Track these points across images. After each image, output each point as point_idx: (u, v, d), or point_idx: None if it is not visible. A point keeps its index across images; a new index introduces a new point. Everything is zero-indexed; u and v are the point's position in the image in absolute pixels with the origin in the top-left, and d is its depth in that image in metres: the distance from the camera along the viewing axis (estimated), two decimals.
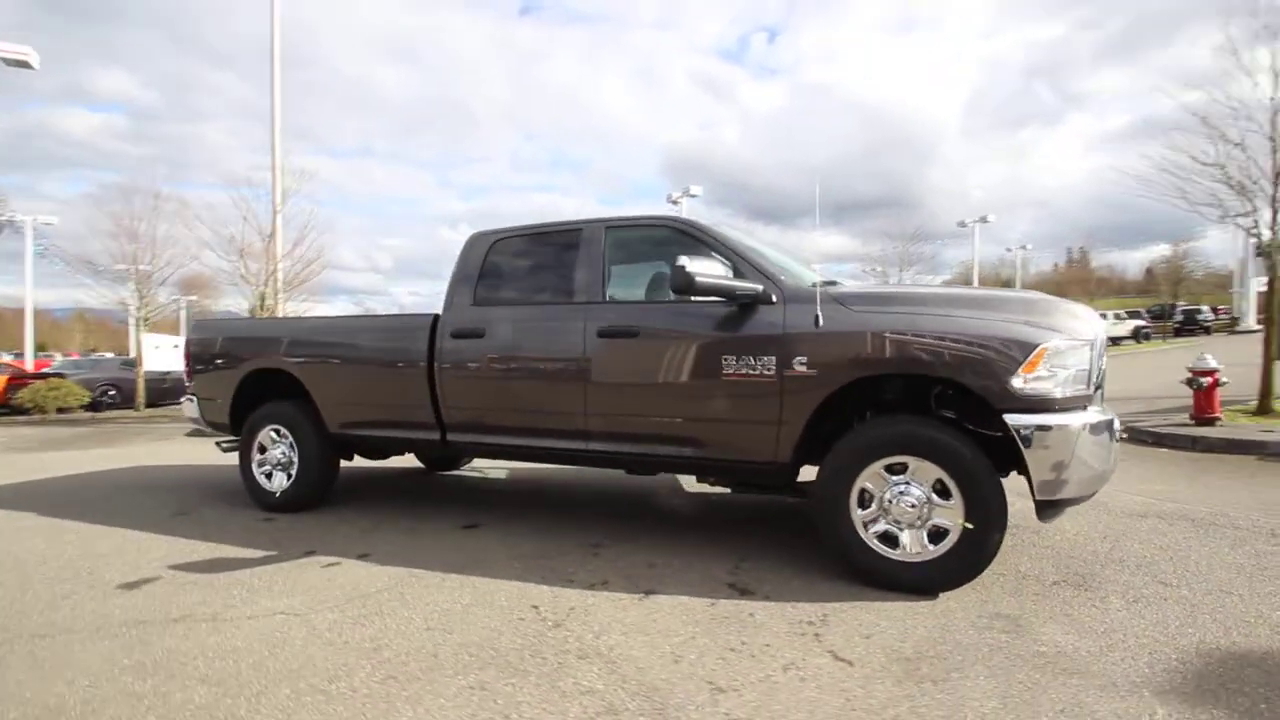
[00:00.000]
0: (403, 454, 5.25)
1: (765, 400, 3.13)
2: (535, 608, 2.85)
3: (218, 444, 5.14)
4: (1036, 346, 2.75)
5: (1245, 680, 2.16)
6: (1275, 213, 7.06)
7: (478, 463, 6.27)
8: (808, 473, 3.29)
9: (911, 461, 2.90)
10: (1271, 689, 2.10)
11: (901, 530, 2.93)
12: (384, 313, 6.42)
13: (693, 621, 2.69)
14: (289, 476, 4.60)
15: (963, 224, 31.00)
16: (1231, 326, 31.75)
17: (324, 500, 4.74)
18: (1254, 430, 6.38)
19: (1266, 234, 7.15)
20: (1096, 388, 2.93)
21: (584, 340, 3.56)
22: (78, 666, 2.38)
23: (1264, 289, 10.96)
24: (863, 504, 3.00)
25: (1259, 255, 8.12)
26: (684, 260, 3.05)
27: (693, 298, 3.28)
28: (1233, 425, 6.69)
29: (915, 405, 3.25)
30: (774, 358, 3.10)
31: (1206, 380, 6.74)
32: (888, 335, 2.92)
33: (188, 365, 5.11)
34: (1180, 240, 46.87)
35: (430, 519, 4.35)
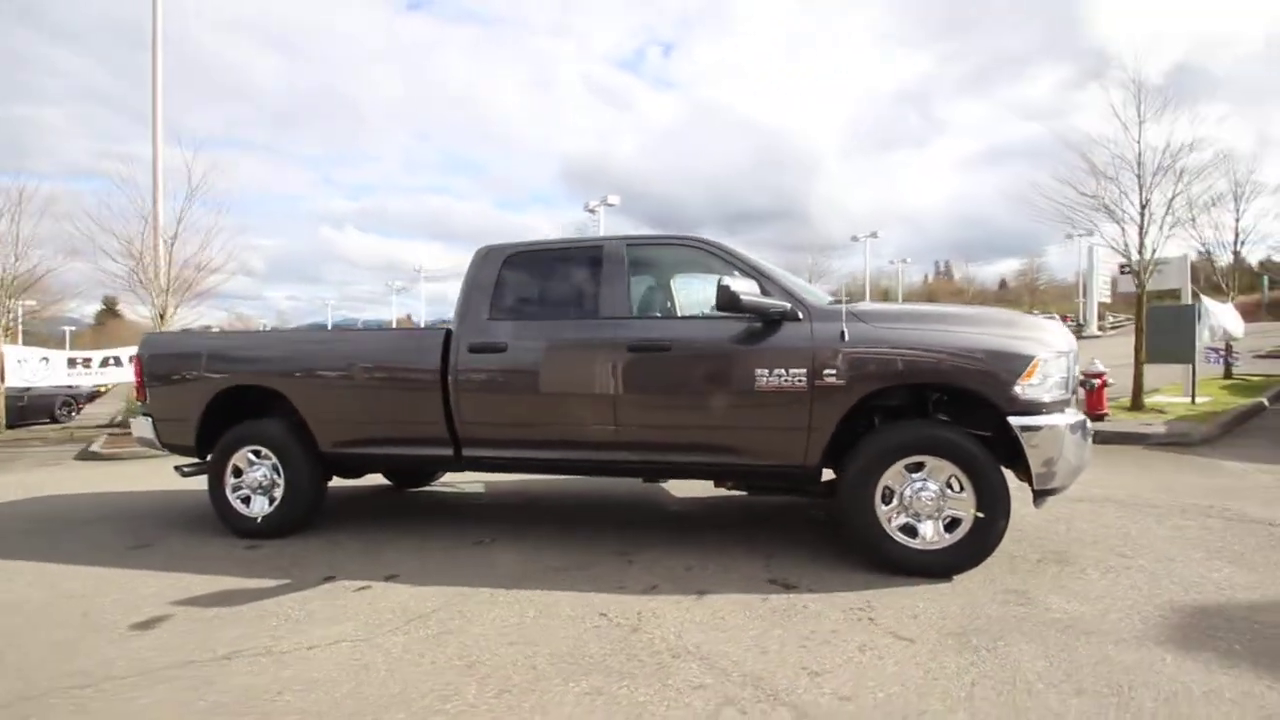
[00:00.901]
0: (382, 471, 5.06)
1: (797, 409, 3.41)
2: (604, 615, 2.95)
3: (179, 469, 4.71)
4: (1032, 358, 3.22)
5: (1216, 628, 2.68)
6: (1142, 235, 8.35)
7: (449, 478, 6.12)
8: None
9: (929, 460, 3.28)
10: (1235, 633, 2.62)
11: (921, 522, 3.30)
12: (364, 324, 6.12)
13: (757, 616, 2.90)
14: (271, 500, 4.33)
15: (855, 238, 33.56)
16: (1078, 333, 36.51)
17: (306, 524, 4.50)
18: (1135, 424, 7.53)
19: (1134, 255, 8.44)
20: (1072, 392, 3.46)
21: (615, 354, 3.68)
22: (147, 714, 2.22)
23: (1105, 299, 12.87)
24: (885, 500, 3.35)
25: (1124, 273, 9.56)
26: (728, 280, 3.27)
27: (719, 313, 3.51)
28: (1117, 421, 7.84)
29: (916, 410, 3.65)
30: (805, 370, 3.39)
31: (1097, 381, 7.87)
32: (911, 349, 3.29)
33: (140, 381, 4.66)
34: (1029, 255, 53.19)
35: (432, 537, 4.26)
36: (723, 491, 5.01)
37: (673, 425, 3.65)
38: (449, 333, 4.04)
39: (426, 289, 52.99)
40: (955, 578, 3.26)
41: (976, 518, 3.22)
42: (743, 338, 3.53)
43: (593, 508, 5.06)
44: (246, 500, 4.38)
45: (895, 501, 3.34)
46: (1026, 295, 55.63)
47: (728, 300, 3.26)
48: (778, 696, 2.24)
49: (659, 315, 3.93)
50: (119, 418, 12.20)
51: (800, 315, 3.49)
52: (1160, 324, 8.90)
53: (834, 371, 3.36)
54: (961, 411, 3.53)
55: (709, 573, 3.46)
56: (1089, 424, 3.45)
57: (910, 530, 3.33)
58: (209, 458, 4.49)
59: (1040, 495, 3.31)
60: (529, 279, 4.08)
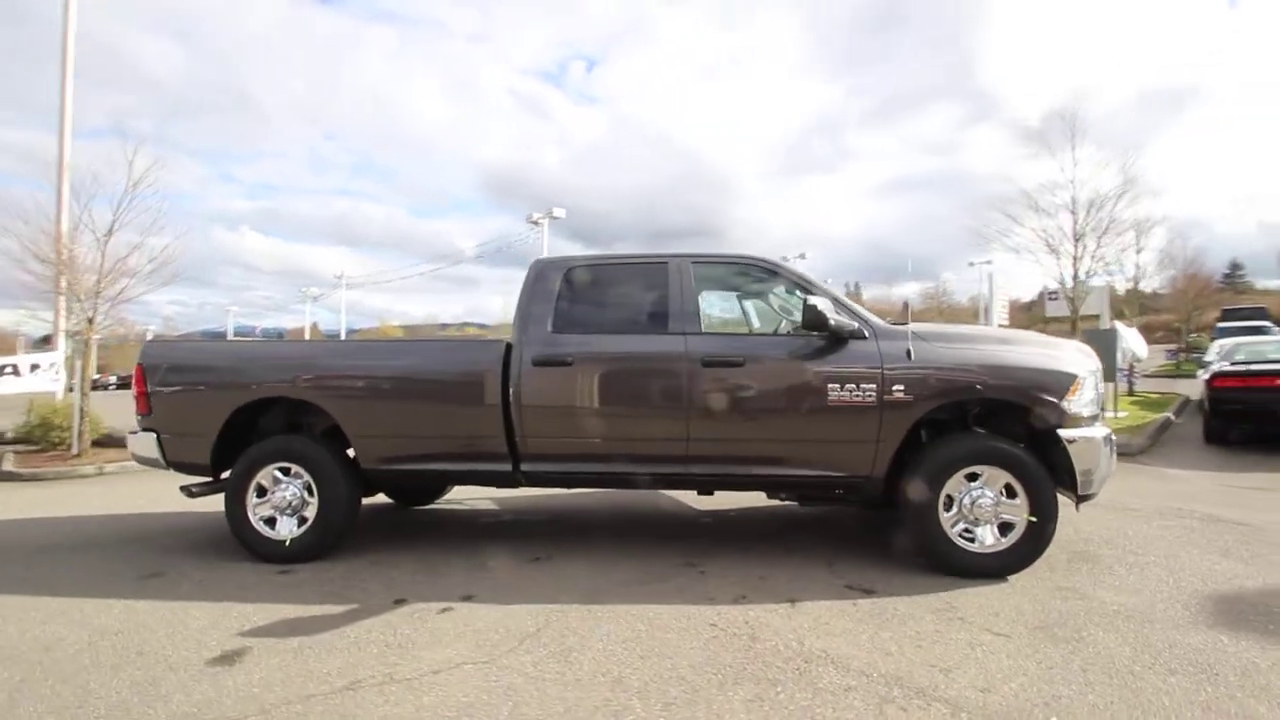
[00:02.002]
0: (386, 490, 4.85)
1: (867, 423, 3.62)
2: (713, 625, 3.01)
3: (186, 489, 4.32)
4: (1076, 377, 3.59)
5: (1243, 613, 3.09)
6: (1076, 264, 9.35)
7: (458, 493, 5.92)
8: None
9: (985, 470, 3.57)
10: (1262, 616, 3.03)
11: (979, 527, 3.58)
12: (441, 337, 5.82)
13: (857, 620, 3.05)
14: (302, 521, 4.07)
15: (785, 259, 35.06)
16: None
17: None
18: None
19: (1069, 281, 9.42)
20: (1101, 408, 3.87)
21: (687, 368, 3.76)
22: None
23: (1004, 322, 14.26)
24: (946, 508, 3.61)
25: (1053, 299, 10.62)
26: (815, 300, 3.45)
27: (792, 331, 3.69)
28: None
29: (959, 424, 3.95)
30: (875, 385, 3.61)
31: None
32: (972, 367, 3.58)
33: (142, 393, 4.26)
34: (927, 279, 57.32)
35: (483, 554, 4.15)
36: (742, 502, 5.21)
37: (746, 438, 3.77)
38: (509, 345, 3.99)
39: (336, 297, 50.24)
40: (1010, 578, 3.55)
41: (1030, 522, 3.53)
42: (813, 354, 3.71)
43: (628, 521, 5.08)
44: (270, 522, 4.10)
45: (955, 509, 3.60)
46: (936, 316, 59.81)
47: (815, 319, 3.44)
48: (925, 693, 2.40)
49: (734, 332, 4.05)
50: (8, 434, 10.83)
51: (866, 334, 3.72)
52: (1090, 346, 9.94)
53: (902, 387, 3.59)
54: (997, 426, 3.87)
55: (784, 580, 3.58)
56: (1114, 437, 3.87)
57: (968, 535, 3.60)
58: (226, 476, 4.17)
59: (1080, 501, 3.68)
60: (591, 293, 4.10)
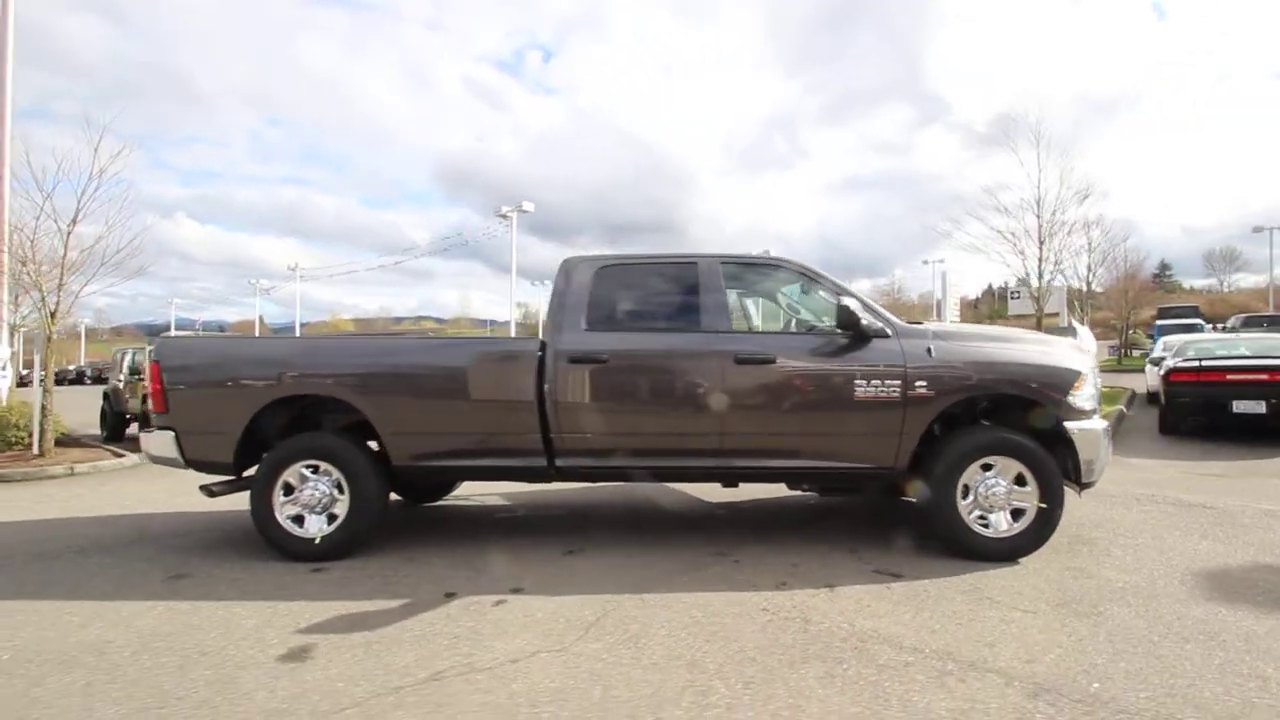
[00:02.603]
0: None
1: (892, 417, 3.83)
2: (764, 609, 3.17)
3: (206, 488, 4.24)
4: (1080, 373, 3.88)
5: (1234, 586, 3.41)
6: (1041, 264, 9.89)
7: (465, 489, 5.93)
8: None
9: (999, 460, 3.83)
10: (1252, 589, 3.37)
11: (993, 513, 3.84)
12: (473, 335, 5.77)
13: (896, 603, 3.25)
14: (332, 519, 4.06)
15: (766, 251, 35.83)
16: None
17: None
18: None
19: (1034, 280, 9.97)
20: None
21: (722, 366, 3.90)
22: None
23: (955, 318, 15.01)
24: (963, 495, 3.85)
25: (1014, 298, 11.21)
26: (848, 301, 3.63)
27: (822, 329, 3.87)
28: None
29: (969, 418, 4.20)
30: (899, 382, 3.82)
31: None
32: (989, 364, 3.83)
33: (158, 390, 4.16)
34: (876, 275, 59.17)
35: (511, 549, 4.22)
36: (749, 494, 5.39)
37: (777, 432, 3.94)
38: (543, 343, 4.05)
39: (286, 289, 48.51)
40: (1021, 560, 3.82)
41: (1040, 508, 3.80)
42: (841, 352, 3.91)
43: (645, 514, 5.20)
44: (298, 520, 4.07)
45: (971, 497, 3.85)
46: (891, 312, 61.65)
47: (849, 319, 3.63)
48: (976, 665, 2.60)
49: (767, 331, 4.20)
50: None
51: (889, 333, 3.93)
52: None
53: (925, 383, 3.82)
54: (1000, 419, 4.14)
55: (816, 567, 3.77)
56: (1109, 428, 4.19)
57: (983, 521, 3.85)
58: (250, 474, 4.12)
59: (1083, 488, 3.97)
60: (623, 291, 4.20)
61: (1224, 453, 7.61)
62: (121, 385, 11.32)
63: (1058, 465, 3.86)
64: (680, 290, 4.14)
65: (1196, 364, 8.24)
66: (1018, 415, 4.02)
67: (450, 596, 3.41)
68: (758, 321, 4.32)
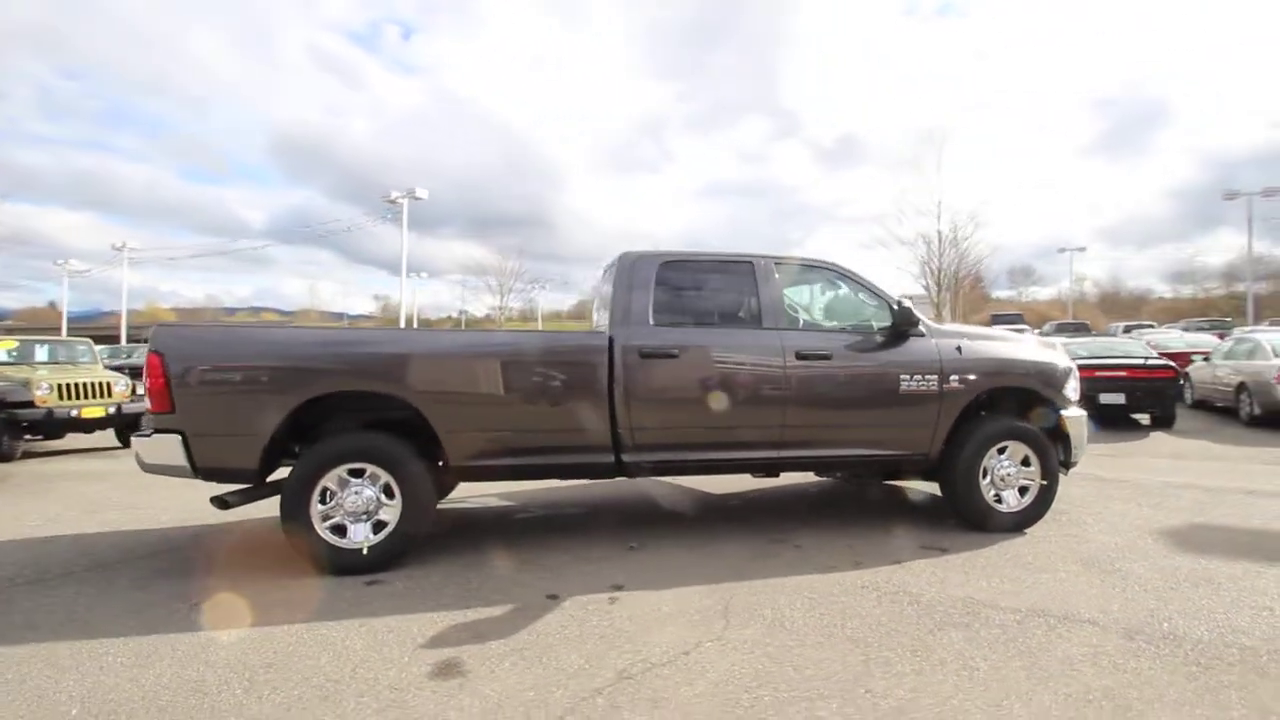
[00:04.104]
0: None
1: (930, 408, 4.26)
2: (865, 587, 3.42)
3: (220, 499, 3.68)
4: (1069, 369, 4.55)
5: (1196, 542, 4.19)
6: (940, 275, 11.17)
7: (474, 489, 5.60)
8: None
9: (1010, 445, 4.40)
10: (1211, 545, 4.16)
11: (1005, 491, 4.40)
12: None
13: (962, 571, 3.65)
14: (378, 526, 3.73)
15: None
16: None
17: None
18: None
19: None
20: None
21: (785, 360, 4.11)
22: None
23: None
24: (983, 476, 4.37)
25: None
26: (906, 301, 3.99)
27: (869, 327, 4.22)
28: None
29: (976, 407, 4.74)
30: (936, 376, 4.26)
31: None
32: (1010, 361, 4.39)
33: (161, 387, 3.56)
34: None
35: (568, 549, 4.12)
36: (763, 485, 5.66)
37: (831, 423, 4.21)
38: (610, 337, 4.01)
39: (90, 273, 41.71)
40: (1026, 531, 4.41)
41: (1042, 485, 4.42)
42: (886, 348, 4.27)
43: (664, 508, 5.26)
44: (340, 530, 3.69)
45: (988, 477, 4.39)
46: None
47: (910, 318, 4.00)
48: (1070, 618, 3.02)
49: (825, 328, 4.44)
50: None
51: (925, 332, 4.36)
52: None
53: (957, 378, 4.29)
54: (996, 408, 4.74)
55: (871, 547, 4.09)
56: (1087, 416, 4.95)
57: (997, 499, 4.40)
58: (282, 480, 3.67)
59: (1068, 468, 4.66)
60: (684, 287, 4.26)
61: (1098, 437, 9.12)
62: None
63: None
64: (739, 288, 4.29)
65: (1085, 361, 9.77)
66: (1012, 405, 4.62)
67: (554, 598, 3.30)
68: (806, 318, 4.57)
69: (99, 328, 39.46)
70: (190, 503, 5.20)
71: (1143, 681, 2.44)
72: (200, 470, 3.63)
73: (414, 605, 3.23)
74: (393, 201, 22.93)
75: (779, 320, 4.24)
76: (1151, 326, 25.15)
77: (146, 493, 5.76)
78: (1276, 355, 9.14)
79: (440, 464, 3.96)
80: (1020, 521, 4.40)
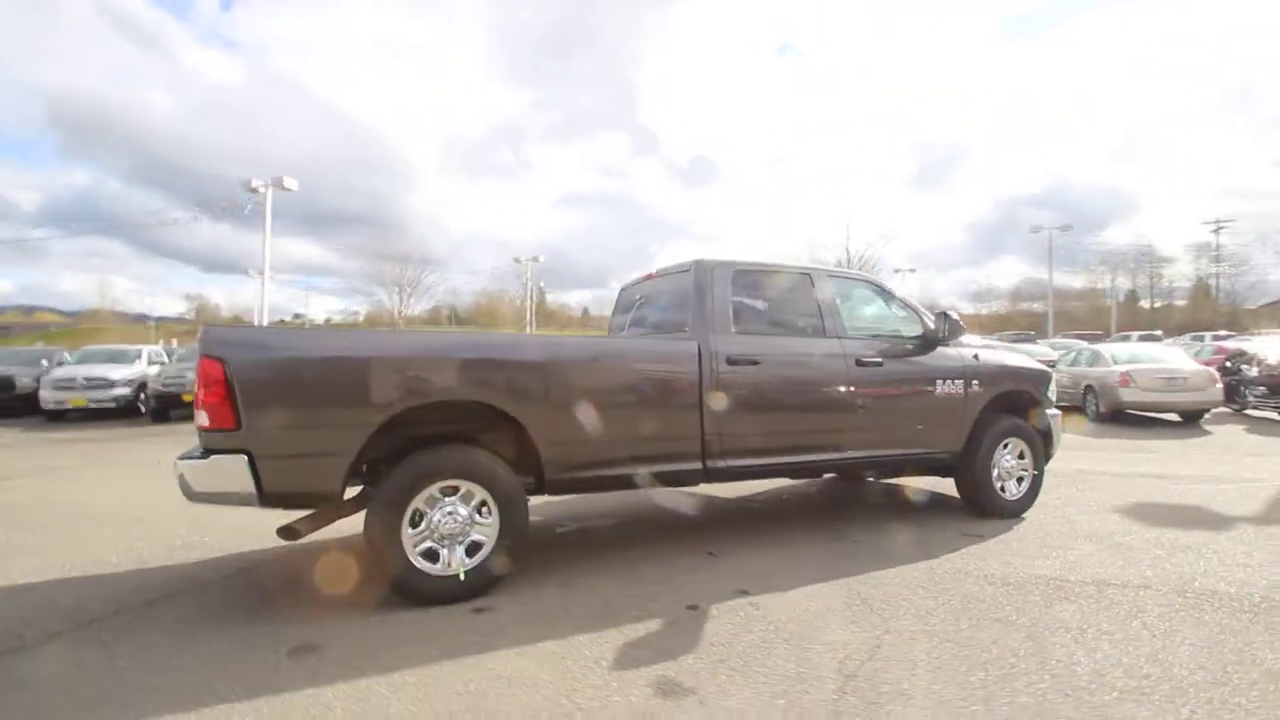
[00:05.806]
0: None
1: (959, 409, 4.76)
2: (964, 573, 3.74)
3: (289, 527, 3.14)
4: (1051, 374, 5.31)
5: (1141, 516, 5.07)
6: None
7: None
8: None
9: (1012, 441, 5.04)
10: (1147, 516, 5.05)
11: (1009, 481, 5.02)
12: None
13: (1016, 554, 4.11)
14: (473, 549, 3.43)
15: (518, 260, 36.07)
16: None
17: None
18: None
19: None
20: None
21: (848, 367, 4.38)
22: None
23: None
24: (993, 468, 4.96)
25: None
26: (954, 313, 4.43)
27: (912, 335, 4.64)
28: None
29: None
30: (963, 380, 4.77)
31: None
32: (1016, 367, 5.02)
33: (220, 400, 2.99)
34: (595, 286, 64.85)
35: (653, 560, 4.05)
36: (765, 485, 5.91)
37: (889, 426, 4.55)
38: (698, 345, 4.02)
39: None
40: (1024, 515, 5.06)
41: (1034, 475, 5.10)
42: (923, 354, 4.71)
43: (684, 515, 5.30)
44: (432, 555, 3.35)
45: (997, 470, 4.98)
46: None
47: (954, 329, 4.43)
48: (1131, 585, 3.56)
49: (877, 335, 4.73)
50: None
51: (947, 341, 4.85)
52: None
53: (978, 382, 4.83)
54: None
55: (921, 537, 4.47)
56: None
57: (1002, 488, 5.01)
58: (348, 503, 3.25)
59: (1047, 460, 5.40)
60: (755, 296, 4.38)
61: None
62: None
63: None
64: (804, 298, 4.50)
65: None
66: (1007, 406, 5.28)
67: (695, 608, 3.25)
68: (850, 326, 4.87)
69: None
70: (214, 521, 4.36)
71: (1231, 631, 2.95)
72: (268, 496, 3.10)
73: (556, 630, 3.02)
74: (255, 190, 20.41)
75: (839, 329, 4.51)
76: None
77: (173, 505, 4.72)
78: (1117, 363, 11.21)
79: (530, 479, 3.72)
80: (1019, 508, 5.04)
